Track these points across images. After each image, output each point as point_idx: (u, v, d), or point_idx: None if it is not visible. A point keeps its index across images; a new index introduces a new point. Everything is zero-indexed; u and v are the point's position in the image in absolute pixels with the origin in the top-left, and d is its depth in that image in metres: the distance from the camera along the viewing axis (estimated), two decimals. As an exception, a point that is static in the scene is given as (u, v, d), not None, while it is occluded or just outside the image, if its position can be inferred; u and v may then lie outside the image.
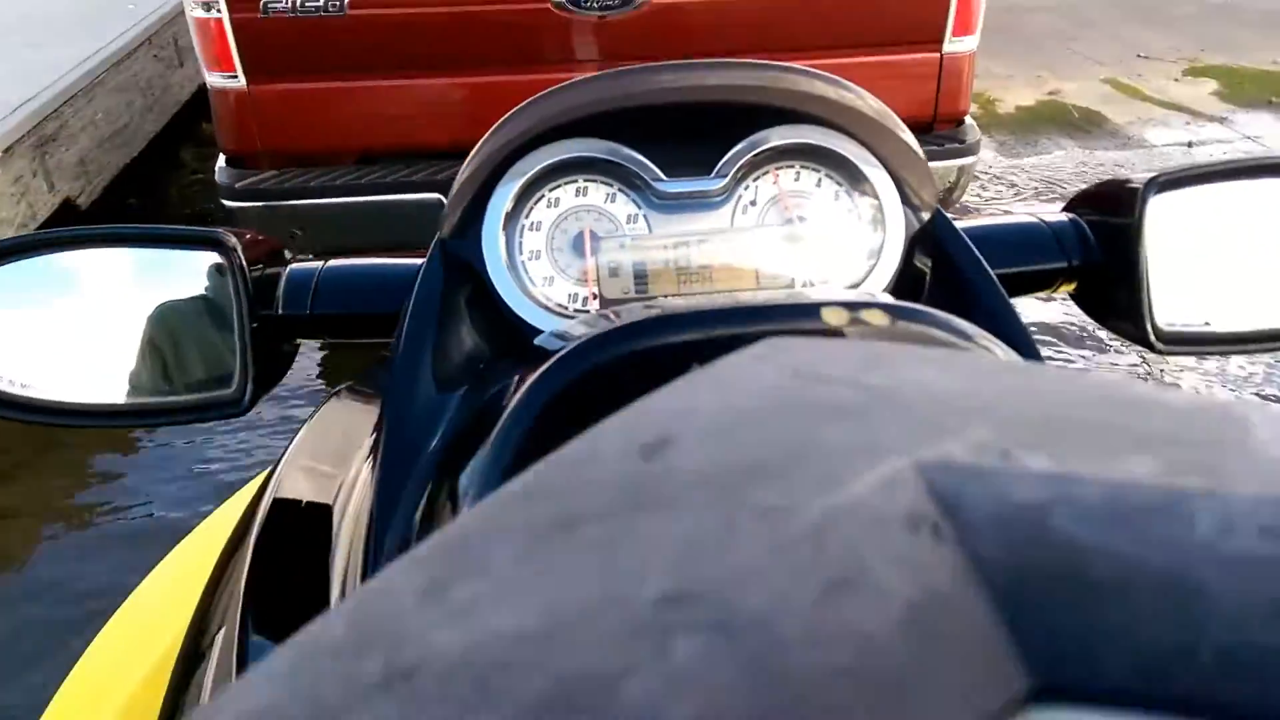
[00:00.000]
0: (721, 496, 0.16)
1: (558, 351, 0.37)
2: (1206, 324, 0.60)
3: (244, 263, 0.58)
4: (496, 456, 0.34)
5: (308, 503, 0.65)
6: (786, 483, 0.16)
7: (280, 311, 0.62)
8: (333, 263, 0.65)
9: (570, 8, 2.41)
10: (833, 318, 0.34)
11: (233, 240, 0.58)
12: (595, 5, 2.41)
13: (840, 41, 2.57)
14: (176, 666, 0.60)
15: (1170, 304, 0.60)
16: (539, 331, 0.57)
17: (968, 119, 2.75)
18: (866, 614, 0.11)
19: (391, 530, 0.46)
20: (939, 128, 2.70)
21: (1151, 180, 0.58)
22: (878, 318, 0.34)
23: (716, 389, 0.21)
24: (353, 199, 2.51)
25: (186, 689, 0.58)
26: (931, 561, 0.13)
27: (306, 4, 2.34)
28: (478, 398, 0.51)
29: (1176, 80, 5.99)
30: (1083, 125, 5.34)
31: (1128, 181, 0.61)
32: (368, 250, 0.68)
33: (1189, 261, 0.60)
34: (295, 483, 0.67)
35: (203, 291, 0.60)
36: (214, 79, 2.44)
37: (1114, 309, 0.63)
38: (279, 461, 0.70)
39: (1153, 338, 0.59)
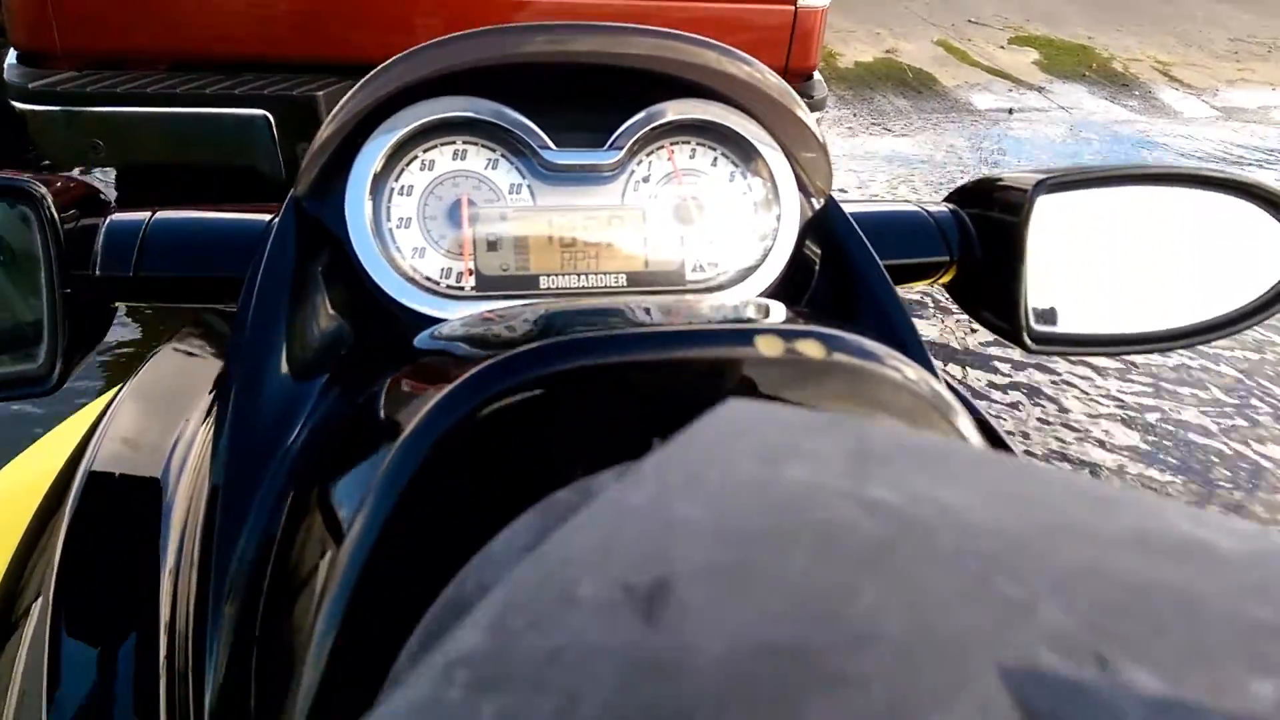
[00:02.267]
0: (767, 714, 0.12)
1: (454, 365, 0.32)
2: (1077, 324, 0.61)
3: (54, 215, 0.49)
4: (389, 487, 0.29)
5: (133, 476, 0.57)
6: (849, 703, 0.12)
7: (97, 272, 0.53)
8: (161, 214, 0.56)
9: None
10: (767, 348, 0.31)
11: (40, 189, 0.48)
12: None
13: (699, -14, 2.53)
14: None
15: (1041, 302, 0.61)
16: (410, 311, 0.51)
17: (816, 74, 2.78)
18: None
19: (248, 529, 0.40)
20: (789, 81, 2.72)
21: (1040, 182, 0.58)
22: (813, 349, 0.32)
23: (697, 491, 0.18)
24: (165, 109, 2.26)
25: None
26: None
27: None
28: (343, 390, 0.45)
29: (1002, 47, 6.31)
30: (915, 85, 5.54)
31: (1012, 180, 0.61)
32: (200, 201, 0.59)
33: (1063, 263, 0.61)
34: (119, 447, 0.59)
35: (9, 248, 0.51)
36: (3, -37, 2.14)
37: (989, 304, 0.63)
38: (104, 414, 0.62)
39: (1025, 336, 0.60)
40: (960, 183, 0.68)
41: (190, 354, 0.76)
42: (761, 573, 0.15)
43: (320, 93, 2.30)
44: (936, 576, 0.15)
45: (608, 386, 0.30)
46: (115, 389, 0.76)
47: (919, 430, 0.30)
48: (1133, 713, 0.12)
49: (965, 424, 0.34)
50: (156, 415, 0.65)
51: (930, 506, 0.17)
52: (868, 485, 0.17)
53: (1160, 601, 0.15)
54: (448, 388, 0.30)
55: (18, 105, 2.23)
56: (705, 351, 0.31)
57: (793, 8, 2.60)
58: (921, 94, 5.45)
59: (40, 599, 0.52)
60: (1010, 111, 5.35)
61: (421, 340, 0.43)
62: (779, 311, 0.44)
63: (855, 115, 5.04)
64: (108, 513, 0.55)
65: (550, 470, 0.28)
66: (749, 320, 0.41)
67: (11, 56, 2.27)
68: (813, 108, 2.73)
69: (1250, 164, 4.86)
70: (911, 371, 0.33)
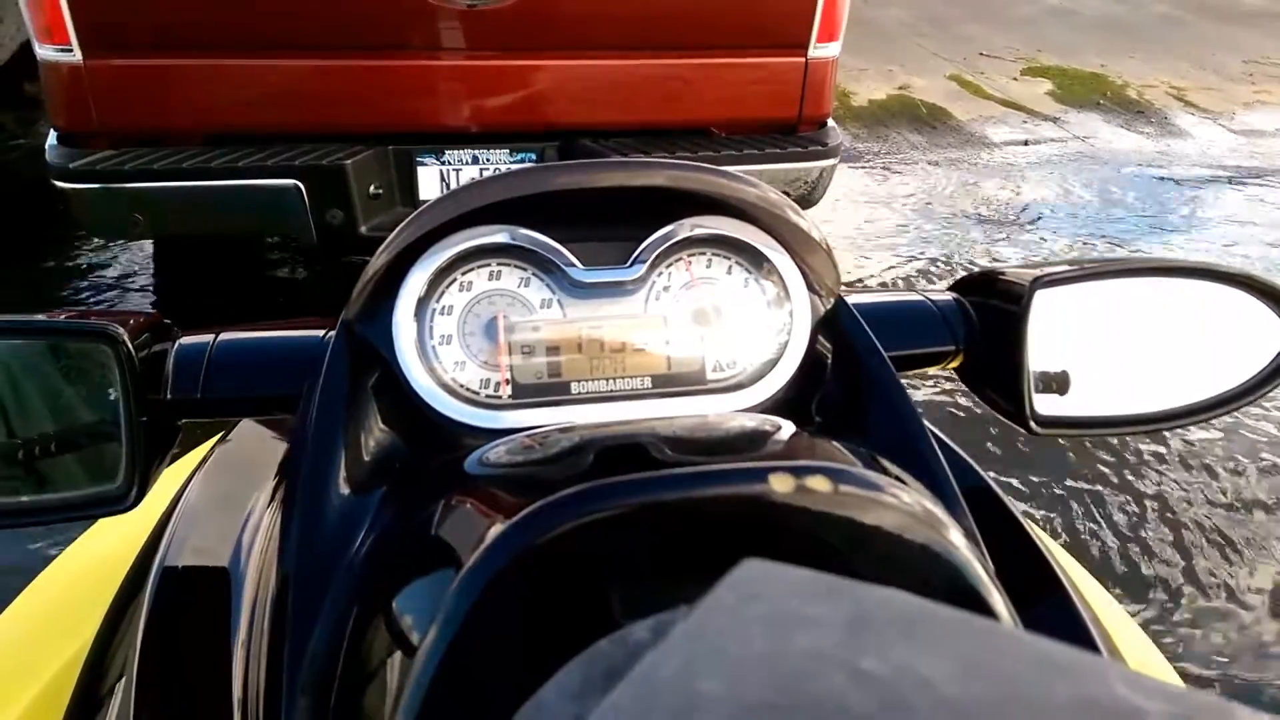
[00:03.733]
0: None
1: (506, 523, 0.37)
2: (1080, 407, 0.64)
3: (132, 353, 0.54)
4: (453, 617, 0.34)
5: (205, 568, 0.63)
6: None
7: (169, 396, 0.58)
8: (224, 336, 0.61)
9: (439, -6, 2.34)
10: (779, 485, 0.35)
11: (119, 332, 0.54)
12: (465, -7, 2.35)
13: (710, 43, 2.60)
14: (70, 709, 0.59)
15: (1047, 389, 0.64)
16: (452, 421, 0.56)
17: (829, 122, 2.83)
18: None
19: (315, 639, 0.44)
20: (803, 129, 2.78)
21: (1037, 279, 0.62)
22: (820, 484, 0.36)
23: (716, 663, 0.21)
24: (200, 183, 2.35)
25: None
26: None
27: (152, -21, 2.18)
28: (400, 506, 0.49)
29: (1015, 79, 6.36)
30: (930, 120, 5.60)
31: (1013, 275, 0.65)
32: (260, 323, 0.64)
33: (1065, 349, 0.64)
34: (191, 536, 0.64)
35: (80, 378, 0.56)
36: (45, 52, 2.24)
37: (995, 388, 0.67)
38: (176, 500, 0.67)
39: (1030, 421, 0.63)
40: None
41: (253, 446, 0.82)
42: None
43: (348, 161, 2.38)
44: None
45: (643, 522, 0.35)
46: (181, 466, 0.81)
47: (894, 552, 0.34)
48: None
49: (955, 536, 0.38)
50: (224, 507, 0.70)
51: (911, 680, 0.21)
52: (861, 656, 0.21)
53: None
54: (505, 525, 0.35)
55: (58, 184, 2.33)
56: (726, 489, 0.35)
57: (804, 60, 2.67)
58: (936, 129, 5.50)
59: (124, 680, 0.57)
60: (1026, 143, 5.39)
61: (471, 465, 0.47)
62: (789, 432, 0.48)
63: (874, 153, 5.09)
64: (183, 603, 0.60)
65: (593, 597, 0.32)
66: (763, 452, 0.45)
67: (52, 138, 2.37)
68: (826, 155, 2.79)
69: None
70: (908, 496, 0.37)
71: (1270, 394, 0.64)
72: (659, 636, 0.23)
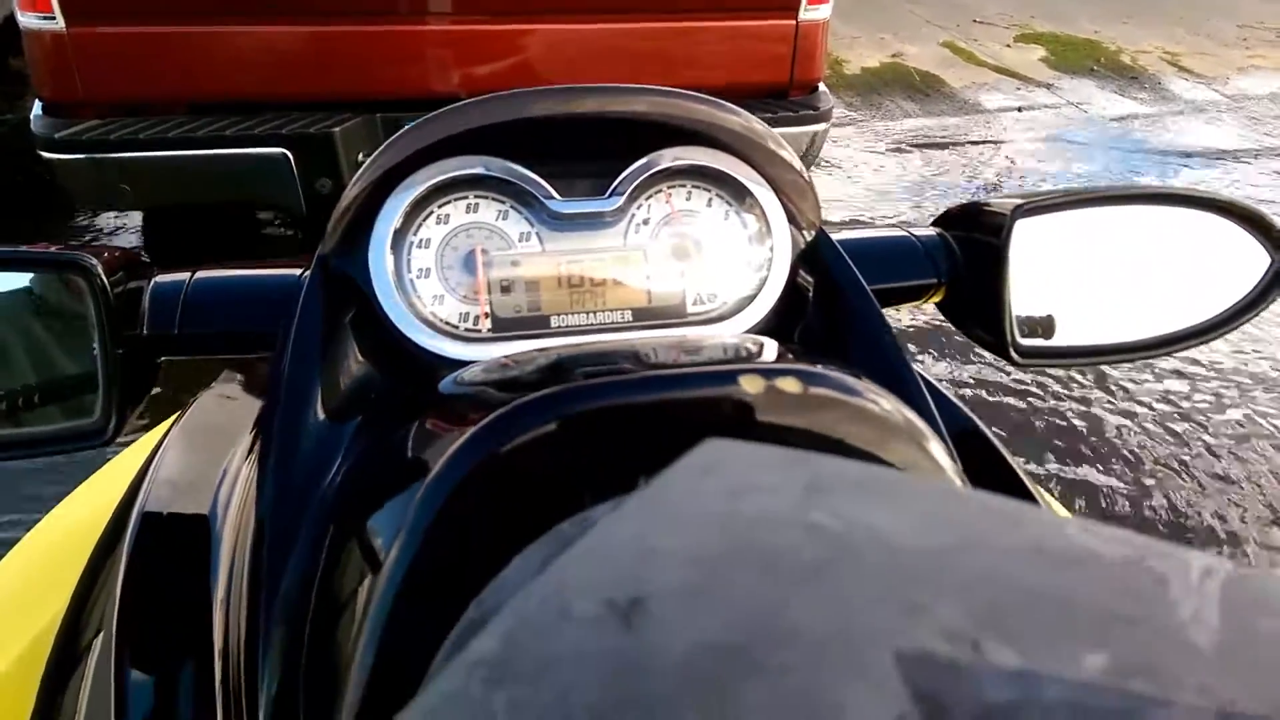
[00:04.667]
0: (711, 699, 0.16)
1: (475, 410, 0.37)
2: (1063, 337, 0.65)
3: (106, 284, 0.54)
4: (418, 525, 0.34)
5: (184, 514, 0.62)
6: (773, 688, 0.16)
7: (145, 331, 0.58)
8: (200, 274, 0.61)
9: (422, -42, 2.32)
10: (750, 386, 0.35)
11: (91, 260, 0.53)
12: (448, -43, 2.33)
13: (702, 5, 2.58)
14: (50, 664, 0.59)
15: (1029, 318, 0.64)
16: (430, 354, 0.56)
17: (821, 85, 2.82)
18: None
19: (292, 565, 0.44)
20: (794, 94, 2.76)
21: (1017, 206, 0.61)
22: (791, 385, 0.36)
23: (671, 525, 0.22)
24: (187, 152, 2.33)
25: (63, 690, 0.56)
26: None
27: (136, -57, 2.15)
28: (375, 432, 0.49)
29: (1009, 46, 6.32)
30: (923, 88, 5.57)
31: (994, 205, 0.65)
32: (235, 260, 0.64)
33: (1047, 281, 0.64)
34: (168, 488, 0.64)
35: (55, 311, 0.56)
36: (27, 19, 2.22)
37: (977, 321, 0.67)
38: (153, 455, 0.67)
39: (1011, 351, 0.63)
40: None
41: (231, 397, 0.81)
42: (717, 589, 0.19)
43: (336, 129, 2.36)
44: (859, 587, 0.19)
45: (612, 424, 0.35)
46: (161, 429, 0.81)
47: (870, 461, 0.34)
48: (989, 680, 0.16)
49: (935, 447, 0.38)
50: (202, 456, 0.69)
51: (863, 530, 0.21)
52: (813, 513, 0.21)
53: (1040, 599, 0.18)
54: (469, 431, 0.34)
55: (45, 154, 2.31)
56: (695, 392, 0.35)
57: (794, 22, 2.65)
58: (929, 96, 5.47)
59: (103, 633, 0.57)
60: (1020, 110, 5.37)
61: (446, 385, 0.47)
62: (770, 348, 0.48)
63: (867, 120, 5.07)
64: (162, 550, 0.60)
65: (560, 497, 0.32)
66: (736, 359, 0.45)
67: (37, 108, 2.35)
68: (818, 119, 2.78)
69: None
70: (886, 403, 0.37)
71: (1254, 320, 0.64)
72: (617, 509, 0.23)
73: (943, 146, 4.74)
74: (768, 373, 0.35)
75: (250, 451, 0.67)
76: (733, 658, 0.17)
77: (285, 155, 2.36)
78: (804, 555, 0.20)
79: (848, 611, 0.18)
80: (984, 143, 4.84)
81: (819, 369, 0.37)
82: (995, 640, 0.17)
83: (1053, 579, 0.19)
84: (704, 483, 0.23)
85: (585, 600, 0.19)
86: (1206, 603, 0.18)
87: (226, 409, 0.79)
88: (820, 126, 2.76)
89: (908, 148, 4.70)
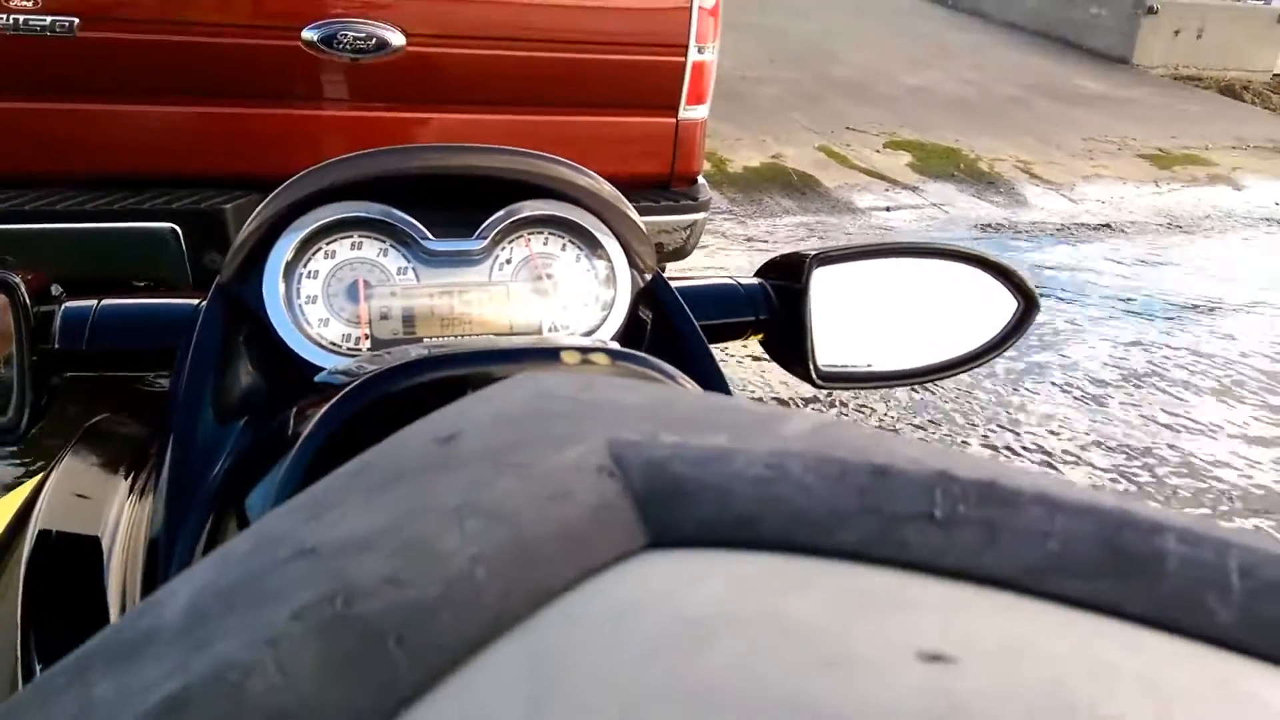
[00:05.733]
0: (491, 461, 0.26)
1: (346, 385, 0.46)
2: (858, 365, 0.78)
3: (27, 300, 0.61)
4: (291, 475, 0.42)
5: (76, 534, 0.68)
6: (530, 452, 0.26)
7: (56, 346, 0.65)
8: (107, 301, 0.69)
9: (322, 48, 2.42)
10: (569, 359, 0.45)
11: (15, 279, 0.61)
12: (347, 48, 2.44)
13: (590, 102, 2.76)
14: None
15: (831, 350, 0.77)
16: (316, 367, 0.64)
17: (700, 179, 3.02)
18: (570, 511, 0.22)
19: (178, 551, 0.51)
20: (675, 185, 2.95)
21: (814, 256, 0.75)
22: (601, 359, 0.46)
23: (488, 404, 0.32)
24: (74, 225, 2.35)
25: None
26: (608, 487, 0.24)
27: (30, 22, 2.20)
28: (258, 428, 0.57)
29: (879, 151, 6.79)
30: (800, 187, 5.92)
31: (798, 257, 0.78)
32: (136, 290, 0.72)
33: (843, 318, 0.77)
34: (60, 513, 0.69)
35: None
36: (-86, 90, 2.23)
37: (789, 354, 0.79)
38: (38, 493, 0.72)
39: (815, 376, 0.76)
40: None
41: (115, 436, 0.87)
42: (507, 426, 0.29)
43: (228, 205, 2.41)
44: (593, 421, 0.29)
45: (451, 391, 0.44)
46: (46, 470, 0.86)
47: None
48: (657, 448, 0.26)
49: None
50: (90, 485, 0.75)
51: (609, 401, 0.31)
52: (583, 395, 0.32)
53: (694, 422, 0.29)
54: (332, 400, 0.44)
55: (-78, 223, 2.29)
56: (525, 364, 0.45)
57: (675, 120, 2.86)
58: (806, 195, 5.82)
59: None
60: (888, 209, 5.75)
61: (321, 376, 0.56)
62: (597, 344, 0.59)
63: (748, 215, 5.36)
64: (57, 570, 0.65)
65: None
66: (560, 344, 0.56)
67: (-82, 176, 2.34)
68: (697, 209, 2.96)
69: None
70: (682, 380, 0.48)
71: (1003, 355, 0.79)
72: None
73: (820, 238, 5.05)
74: (584, 350, 0.46)
75: (136, 481, 0.73)
76: (509, 448, 0.27)
77: (174, 230, 2.39)
78: (567, 410, 0.30)
79: (581, 428, 0.29)
80: (856, 234, 5.18)
81: (629, 350, 0.47)
82: (665, 433, 0.28)
83: (714, 416, 0.30)
84: (517, 389, 0.33)
85: (417, 436, 0.29)
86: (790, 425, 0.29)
87: (113, 443, 0.84)
88: (699, 216, 2.95)
89: (783, 241, 4.98)
